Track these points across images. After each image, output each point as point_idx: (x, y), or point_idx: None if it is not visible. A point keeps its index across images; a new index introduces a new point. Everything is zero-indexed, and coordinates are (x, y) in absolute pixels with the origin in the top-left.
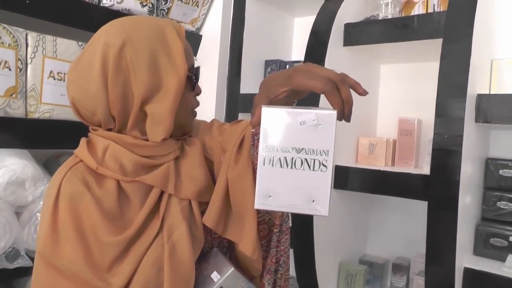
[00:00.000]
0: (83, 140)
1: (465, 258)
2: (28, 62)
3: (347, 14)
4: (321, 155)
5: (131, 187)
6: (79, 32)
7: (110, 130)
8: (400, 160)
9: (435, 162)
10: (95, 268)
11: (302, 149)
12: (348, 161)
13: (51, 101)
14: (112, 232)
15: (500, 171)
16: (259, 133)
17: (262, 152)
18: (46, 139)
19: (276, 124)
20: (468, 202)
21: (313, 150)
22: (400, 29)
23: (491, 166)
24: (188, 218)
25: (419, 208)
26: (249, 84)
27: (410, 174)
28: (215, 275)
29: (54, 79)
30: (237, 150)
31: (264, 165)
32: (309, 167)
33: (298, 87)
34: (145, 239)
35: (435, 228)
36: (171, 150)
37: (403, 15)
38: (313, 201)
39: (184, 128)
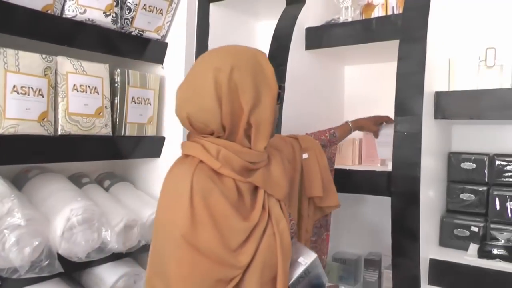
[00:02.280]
0: (194, 144)
1: (431, 249)
2: None
3: (308, 18)
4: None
5: (244, 186)
6: (42, 45)
7: (218, 137)
8: (367, 158)
9: (396, 159)
10: (227, 248)
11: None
12: None
13: (15, 116)
14: (241, 220)
15: (462, 164)
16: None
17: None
18: (12, 154)
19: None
20: (432, 195)
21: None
22: (360, 32)
23: (453, 159)
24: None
25: (389, 204)
26: None
27: (375, 171)
28: (302, 260)
29: (18, 93)
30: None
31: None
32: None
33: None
34: (260, 227)
35: (399, 223)
36: (265, 157)
37: (363, 18)
38: None
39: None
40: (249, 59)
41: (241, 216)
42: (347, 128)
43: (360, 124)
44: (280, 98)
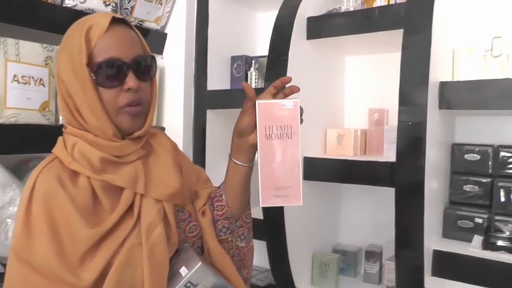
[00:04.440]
0: (59, 138)
1: (434, 240)
2: None
3: (309, 7)
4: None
5: (100, 185)
6: (43, 34)
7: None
8: (371, 149)
9: (400, 150)
10: (66, 263)
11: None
12: (316, 153)
13: (16, 105)
14: (85, 226)
15: (466, 156)
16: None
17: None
18: (12, 144)
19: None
20: (435, 186)
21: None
22: (362, 21)
23: (456, 151)
24: (163, 220)
25: (389, 195)
26: (216, 80)
27: (377, 162)
28: (183, 270)
29: (19, 83)
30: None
31: None
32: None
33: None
34: (117, 237)
35: (403, 214)
36: (131, 151)
37: (365, 7)
38: None
39: (120, 127)
40: (66, 39)
41: (88, 222)
42: (230, 166)
43: (234, 147)
44: (100, 79)
